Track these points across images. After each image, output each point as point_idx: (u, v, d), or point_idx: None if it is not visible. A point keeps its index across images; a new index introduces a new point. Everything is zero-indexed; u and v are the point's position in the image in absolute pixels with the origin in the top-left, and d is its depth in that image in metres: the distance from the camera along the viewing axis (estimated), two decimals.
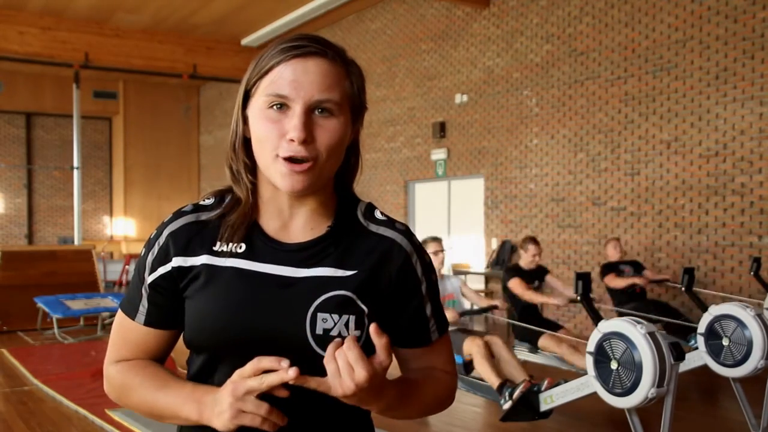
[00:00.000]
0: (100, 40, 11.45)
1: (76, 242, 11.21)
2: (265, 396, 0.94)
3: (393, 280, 1.03)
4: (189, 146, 16.52)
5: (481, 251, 9.38)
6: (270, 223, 1.04)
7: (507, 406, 4.15)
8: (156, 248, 1.04)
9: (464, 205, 9.78)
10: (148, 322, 1.06)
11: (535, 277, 5.55)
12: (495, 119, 9.04)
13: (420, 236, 10.40)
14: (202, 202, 1.08)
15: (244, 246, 1.02)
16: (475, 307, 4.98)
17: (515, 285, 5.32)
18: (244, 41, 12.53)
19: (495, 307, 4.88)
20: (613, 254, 6.63)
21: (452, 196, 10.00)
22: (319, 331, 0.97)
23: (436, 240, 4.97)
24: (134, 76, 14.32)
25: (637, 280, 6.29)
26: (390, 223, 1.07)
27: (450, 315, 4.44)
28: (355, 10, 11.15)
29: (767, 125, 6.36)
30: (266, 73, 0.98)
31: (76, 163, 11.38)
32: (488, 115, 9.13)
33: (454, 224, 9.96)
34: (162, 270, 1.03)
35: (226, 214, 1.04)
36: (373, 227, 1.06)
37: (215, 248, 1.02)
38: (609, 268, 6.52)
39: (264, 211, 1.05)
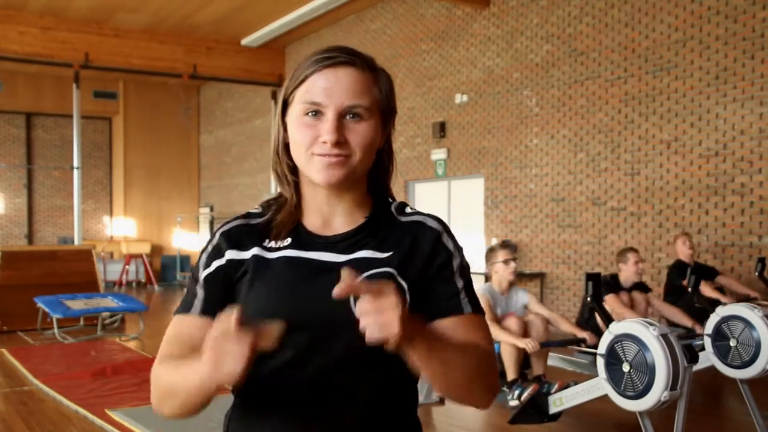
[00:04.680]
0: (100, 40, 11.45)
1: (76, 242, 11.20)
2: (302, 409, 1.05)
3: (426, 256, 1.11)
4: (189, 146, 16.51)
5: (481, 251, 9.37)
6: (312, 221, 1.14)
7: (513, 403, 4.15)
8: (210, 247, 1.14)
9: (464, 205, 9.78)
10: (203, 310, 1.11)
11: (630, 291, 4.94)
12: (495, 119, 9.04)
13: None
14: (251, 211, 1.19)
15: (290, 240, 1.12)
16: (544, 327, 4.40)
17: (612, 301, 4.69)
18: (244, 41, 12.53)
19: (583, 341, 4.26)
20: (683, 251, 5.93)
21: (452, 196, 10.00)
22: None
23: (507, 247, 4.52)
24: (134, 76, 14.32)
25: (723, 299, 5.44)
26: (420, 212, 1.18)
27: (530, 346, 4.10)
28: (355, 10, 11.15)
29: (767, 125, 6.36)
30: (301, 83, 1.08)
31: (76, 163, 11.38)
32: (488, 115, 9.13)
33: (454, 224, 9.96)
34: (216, 263, 1.12)
35: (274, 218, 1.15)
36: (404, 218, 1.16)
37: (265, 244, 1.12)
38: (683, 270, 5.77)
39: (306, 211, 1.15)
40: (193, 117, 16.50)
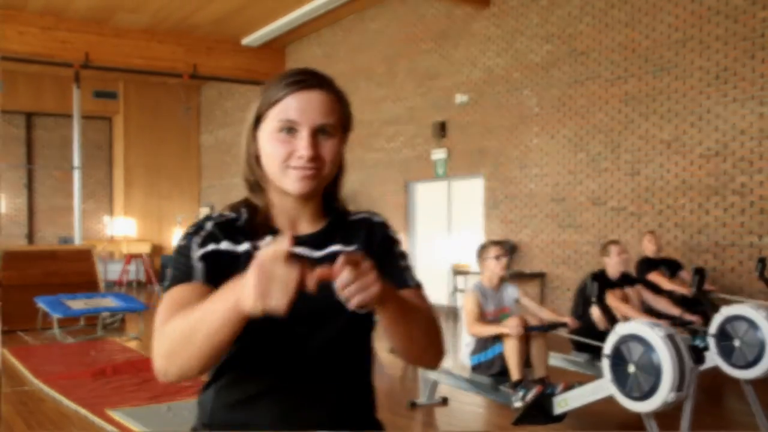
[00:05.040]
0: (100, 40, 11.45)
1: (76, 242, 11.21)
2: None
3: (379, 244, 1.29)
4: (189, 146, 16.51)
5: None
6: (280, 222, 1.27)
7: (518, 404, 4.15)
8: (203, 232, 1.21)
9: (464, 205, 9.77)
10: (206, 280, 1.16)
11: (621, 286, 5.05)
12: (495, 119, 9.04)
13: (423, 236, 10.22)
14: (224, 213, 1.27)
15: (269, 238, 1.22)
16: (539, 320, 4.40)
17: (611, 299, 4.71)
18: (244, 41, 12.53)
19: (564, 325, 4.38)
20: (649, 248, 6.22)
21: (452, 196, 10.00)
22: None
23: (498, 244, 4.64)
24: (134, 76, 14.31)
25: (683, 290, 5.68)
26: (362, 211, 1.35)
27: (515, 330, 4.13)
28: (355, 10, 11.15)
29: (767, 125, 6.36)
30: (276, 102, 1.20)
31: (76, 163, 11.39)
32: (488, 115, 9.13)
33: (454, 224, 9.96)
34: (213, 246, 1.20)
35: (252, 220, 1.25)
36: (354, 217, 1.33)
37: (252, 242, 1.22)
38: (650, 265, 6.08)
39: (274, 215, 1.27)
40: (194, 117, 16.50)
